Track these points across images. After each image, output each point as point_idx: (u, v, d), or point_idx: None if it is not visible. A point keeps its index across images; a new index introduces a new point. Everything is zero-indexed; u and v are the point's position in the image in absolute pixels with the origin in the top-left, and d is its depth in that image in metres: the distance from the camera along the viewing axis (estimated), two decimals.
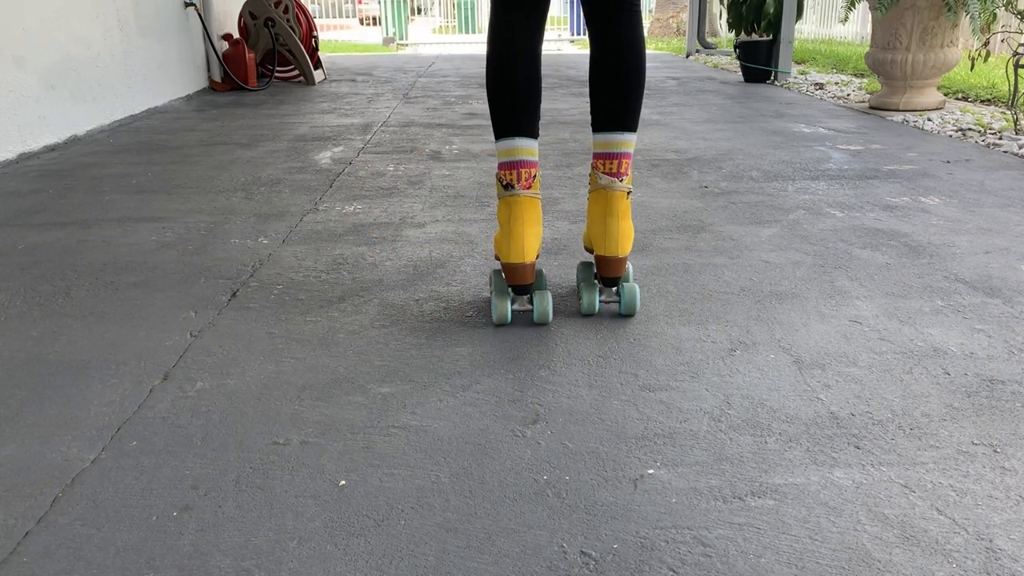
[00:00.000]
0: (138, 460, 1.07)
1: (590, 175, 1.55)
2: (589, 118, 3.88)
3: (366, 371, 1.31)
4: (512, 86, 1.46)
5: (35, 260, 1.88)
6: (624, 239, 1.48)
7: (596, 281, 1.55)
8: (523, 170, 1.46)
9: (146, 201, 2.41)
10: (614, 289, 1.54)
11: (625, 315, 1.52)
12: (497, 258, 1.51)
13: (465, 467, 1.05)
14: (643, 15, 1.60)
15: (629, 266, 1.57)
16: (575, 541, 0.90)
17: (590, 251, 1.63)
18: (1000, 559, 0.87)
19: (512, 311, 1.51)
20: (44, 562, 0.88)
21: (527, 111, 1.47)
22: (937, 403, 1.20)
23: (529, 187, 1.47)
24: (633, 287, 1.51)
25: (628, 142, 1.49)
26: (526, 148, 1.47)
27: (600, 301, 1.54)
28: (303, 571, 0.86)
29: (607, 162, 1.49)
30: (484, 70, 1.58)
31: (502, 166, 1.48)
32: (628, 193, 1.50)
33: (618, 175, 1.49)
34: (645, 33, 1.59)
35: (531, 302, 1.50)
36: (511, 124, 1.47)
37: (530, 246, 1.45)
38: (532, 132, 1.48)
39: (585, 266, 1.62)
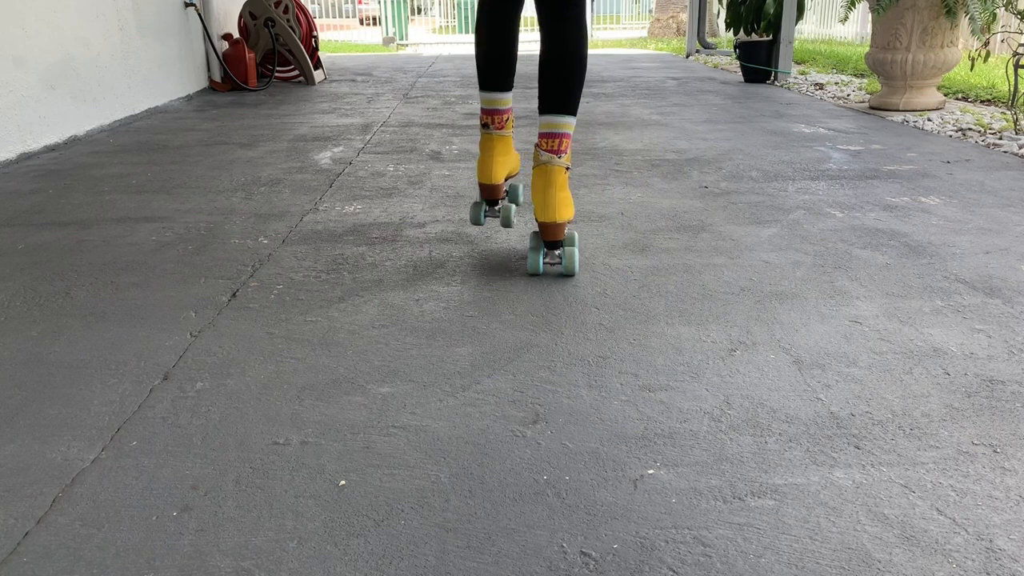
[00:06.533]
0: (138, 460, 1.07)
1: (533, 154, 1.82)
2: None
3: (366, 371, 1.31)
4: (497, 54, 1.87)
5: (35, 260, 1.88)
6: (562, 207, 1.69)
7: (542, 246, 1.78)
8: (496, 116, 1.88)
9: (146, 201, 2.41)
10: (557, 252, 1.75)
11: (566, 275, 1.73)
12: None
13: (465, 467, 1.05)
14: (586, 16, 1.90)
15: (574, 233, 1.80)
16: (575, 541, 0.90)
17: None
18: (1000, 559, 0.87)
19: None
20: (44, 562, 0.88)
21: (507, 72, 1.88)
22: (937, 403, 1.20)
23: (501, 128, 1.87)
24: (572, 250, 1.73)
25: (569, 124, 1.72)
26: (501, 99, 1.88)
27: (544, 263, 1.77)
28: (303, 571, 0.86)
29: (549, 141, 1.70)
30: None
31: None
32: (567, 169, 1.72)
33: (558, 152, 1.70)
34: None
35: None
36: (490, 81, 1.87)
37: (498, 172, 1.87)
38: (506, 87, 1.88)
39: (535, 235, 1.81)
